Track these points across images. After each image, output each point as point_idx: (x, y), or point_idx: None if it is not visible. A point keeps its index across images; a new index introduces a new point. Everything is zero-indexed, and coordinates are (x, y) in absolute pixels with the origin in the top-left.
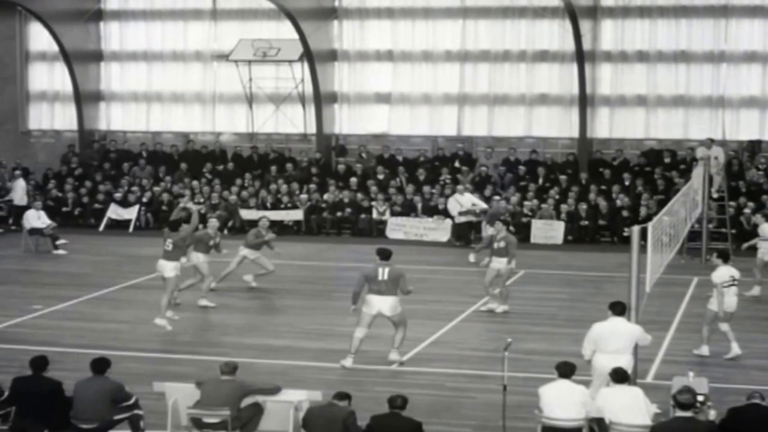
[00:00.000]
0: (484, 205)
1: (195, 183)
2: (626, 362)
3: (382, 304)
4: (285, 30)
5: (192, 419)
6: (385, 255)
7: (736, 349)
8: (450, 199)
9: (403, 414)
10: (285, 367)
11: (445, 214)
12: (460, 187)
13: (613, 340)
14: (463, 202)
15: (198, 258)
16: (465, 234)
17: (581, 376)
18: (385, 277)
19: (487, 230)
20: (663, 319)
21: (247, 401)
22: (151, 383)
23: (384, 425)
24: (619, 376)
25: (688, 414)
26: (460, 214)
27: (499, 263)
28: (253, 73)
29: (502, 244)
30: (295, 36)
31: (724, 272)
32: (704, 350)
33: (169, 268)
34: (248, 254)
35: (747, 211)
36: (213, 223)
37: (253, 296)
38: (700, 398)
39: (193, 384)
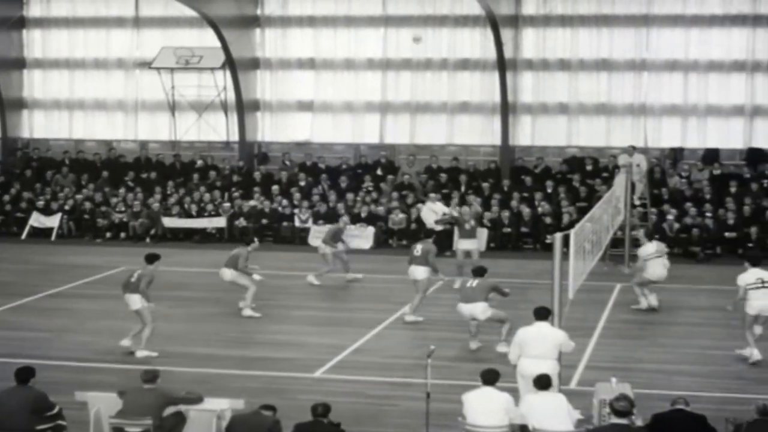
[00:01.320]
0: (455, 214)
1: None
2: (551, 367)
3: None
4: (207, 38)
5: (114, 429)
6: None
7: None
8: (423, 208)
9: (327, 422)
10: (207, 376)
11: (368, 221)
12: (432, 195)
13: (537, 344)
14: (437, 210)
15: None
16: (440, 243)
17: (506, 383)
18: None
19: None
20: (586, 325)
21: (169, 410)
22: (74, 393)
23: None
24: (542, 383)
25: (624, 421)
26: (436, 222)
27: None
28: (176, 81)
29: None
30: (218, 44)
31: (749, 275)
32: (755, 354)
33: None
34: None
35: (670, 217)
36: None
37: (175, 305)
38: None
39: (115, 393)
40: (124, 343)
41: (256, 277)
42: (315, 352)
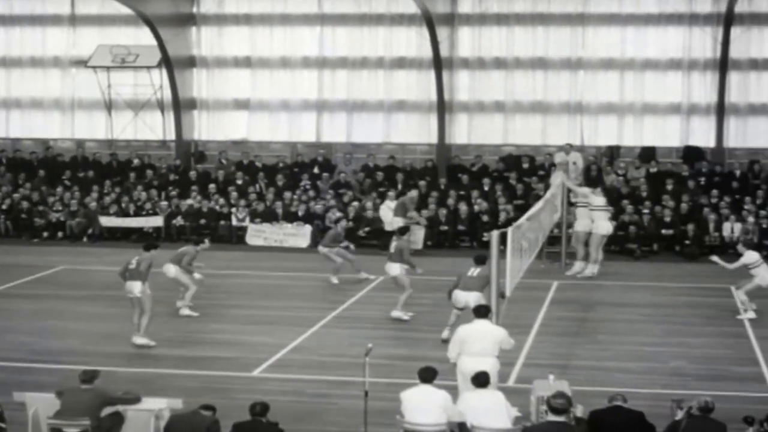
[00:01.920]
0: (415, 214)
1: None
2: (491, 364)
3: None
4: (143, 36)
5: (52, 429)
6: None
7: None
8: (382, 206)
9: (265, 420)
10: (145, 375)
11: (305, 219)
12: (391, 194)
13: (477, 342)
14: (395, 209)
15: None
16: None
17: (443, 381)
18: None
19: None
20: (524, 322)
21: (107, 410)
22: (12, 393)
23: None
24: (480, 380)
25: (561, 419)
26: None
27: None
28: (112, 80)
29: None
30: (154, 42)
31: (751, 255)
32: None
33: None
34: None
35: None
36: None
37: (113, 304)
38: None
39: (53, 394)
40: (137, 342)
41: (197, 276)
42: (253, 350)
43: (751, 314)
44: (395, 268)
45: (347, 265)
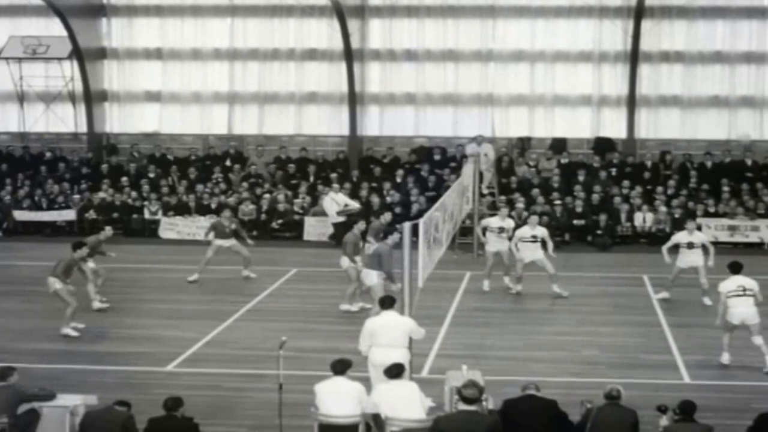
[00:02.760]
0: (357, 205)
1: None
2: (402, 355)
3: None
4: (54, 27)
5: None
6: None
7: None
8: (325, 198)
9: (180, 415)
10: (60, 372)
11: (218, 212)
12: (335, 186)
13: (386, 333)
14: (339, 201)
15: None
16: (342, 234)
17: (358, 372)
18: None
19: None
20: (437, 313)
21: (23, 407)
22: None
23: (161, 428)
24: (393, 372)
25: (472, 408)
26: (338, 213)
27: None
28: (24, 71)
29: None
30: (65, 33)
31: (730, 283)
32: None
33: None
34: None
35: (519, 206)
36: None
37: (27, 299)
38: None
39: None
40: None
41: (112, 254)
42: (167, 345)
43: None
44: (344, 261)
45: None
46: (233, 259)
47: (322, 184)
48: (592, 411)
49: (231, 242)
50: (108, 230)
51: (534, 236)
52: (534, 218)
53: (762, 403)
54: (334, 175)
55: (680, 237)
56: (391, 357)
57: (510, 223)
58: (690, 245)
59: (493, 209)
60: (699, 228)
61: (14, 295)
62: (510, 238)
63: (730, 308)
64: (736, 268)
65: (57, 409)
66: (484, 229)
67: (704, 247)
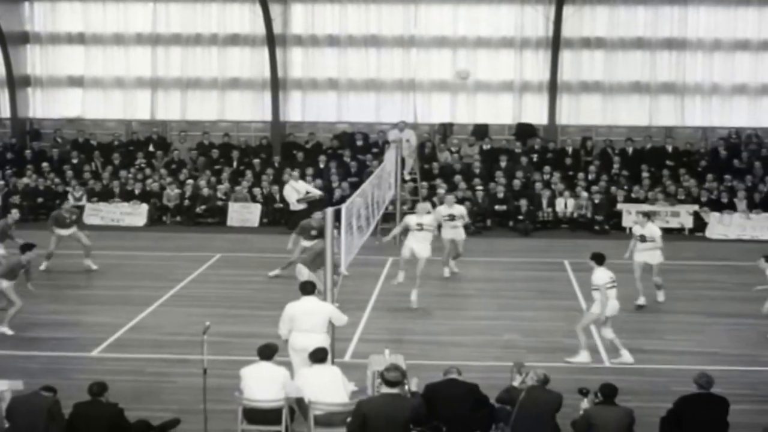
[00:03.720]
0: (318, 192)
1: None
2: (322, 340)
3: None
4: None
5: None
6: None
7: (627, 357)
8: (286, 186)
9: (104, 400)
10: None
11: (141, 197)
12: (295, 173)
13: (306, 319)
14: (299, 189)
15: None
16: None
17: (283, 357)
18: None
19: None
20: (359, 298)
21: None
22: None
23: (86, 412)
24: (317, 356)
25: (395, 391)
26: (298, 201)
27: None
28: None
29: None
30: None
31: (603, 274)
32: (584, 356)
33: None
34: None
35: (441, 191)
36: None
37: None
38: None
39: None
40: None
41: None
42: (92, 330)
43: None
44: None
45: None
46: (157, 245)
47: (245, 170)
48: (521, 393)
49: (71, 231)
50: (14, 213)
51: (451, 215)
52: (449, 197)
53: (681, 386)
54: (257, 161)
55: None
56: (311, 342)
57: (460, 209)
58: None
59: (415, 195)
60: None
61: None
62: (465, 226)
63: (609, 300)
64: (600, 260)
65: None
66: (406, 229)
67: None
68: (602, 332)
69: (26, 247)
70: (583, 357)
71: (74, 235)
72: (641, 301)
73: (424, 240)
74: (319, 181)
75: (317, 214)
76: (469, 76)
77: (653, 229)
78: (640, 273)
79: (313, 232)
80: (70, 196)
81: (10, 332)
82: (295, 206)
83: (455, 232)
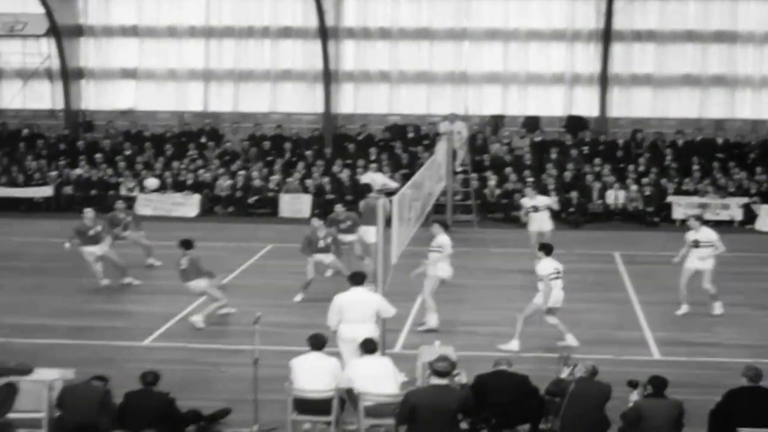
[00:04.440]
0: (395, 184)
1: None
2: (369, 331)
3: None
4: (31, 4)
5: None
6: None
7: (572, 340)
8: (364, 176)
9: (156, 390)
10: (37, 346)
11: (194, 188)
12: (372, 166)
13: (355, 309)
14: (377, 180)
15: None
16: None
17: (333, 348)
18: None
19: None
20: (409, 290)
21: (0, 382)
22: None
23: (137, 401)
24: (368, 347)
25: (443, 382)
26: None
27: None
28: (1, 48)
29: (349, 222)
30: (41, 10)
31: (548, 265)
32: (514, 345)
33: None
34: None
35: (491, 183)
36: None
37: (3, 275)
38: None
39: None
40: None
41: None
42: (143, 320)
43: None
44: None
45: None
46: (209, 236)
47: (296, 162)
48: (571, 385)
49: (128, 233)
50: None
51: (534, 206)
52: (528, 190)
53: (732, 380)
54: (308, 153)
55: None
56: (359, 332)
57: (543, 200)
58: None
59: (466, 186)
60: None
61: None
62: (556, 215)
63: (553, 290)
64: (549, 251)
65: (34, 383)
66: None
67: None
68: (547, 319)
69: (187, 244)
70: (513, 345)
71: (131, 237)
72: (684, 309)
73: (542, 218)
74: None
75: (338, 208)
76: None
77: (709, 234)
78: (687, 280)
79: (342, 226)
80: (122, 187)
81: (202, 325)
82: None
83: (540, 223)
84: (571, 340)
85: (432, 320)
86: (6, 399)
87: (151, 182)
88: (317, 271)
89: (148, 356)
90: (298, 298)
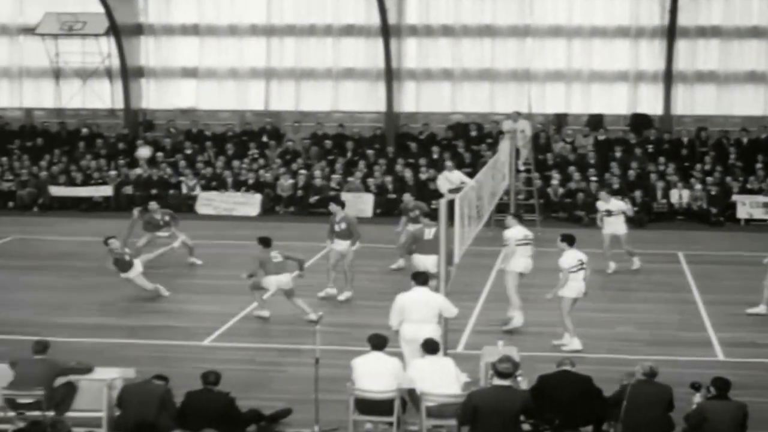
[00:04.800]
0: (472, 182)
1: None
2: (432, 331)
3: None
4: (91, 3)
5: (6, 400)
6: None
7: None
8: (439, 176)
9: (217, 389)
10: (98, 345)
11: (255, 187)
12: (448, 164)
13: (417, 309)
14: (453, 179)
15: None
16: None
17: (394, 348)
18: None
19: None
20: (472, 289)
21: (60, 381)
22: None
23: (198, 401)
24: (430, 347)
25: (506, 382)
26: (450, 192)
27: (342, 245)
28: (60, 48)
29: (343, 225)
30: (101, 9)
31: (571, 256)
32: (576, 344)
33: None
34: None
35: (554, 182)
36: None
37: (63, 274)
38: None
39: (6, 364)
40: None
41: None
42: (204, 320)
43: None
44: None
45: None
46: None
47: (358, 161)
48: (627, 387)
49: (170, 232)
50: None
51: (608, 210)
52: (603, 193)
53: None
54: (370, 152)
55: None
56: (422, 332)
57: (618, 204)
58: None
59: (529, 185)
60: None
61: (51, 270)
62: (628, 219)
63: (571, 282)
64: (571, 242)
65: (94, 382)
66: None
67: None
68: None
69: (266, 242)
70: (575, 344)
71: (173, 236)
72: (760, 309)
73: (617, 222)
74: (432, 172)
75: (406, 197)
76: None
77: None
78: None
79: (412, 214)
80: (183, 186)
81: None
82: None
83: (615, 227)
84: (567, 340)
85: (517, 318)
86: (66, 398)
87: (143, 151)
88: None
89: (208, 356)
90: (343, 296)
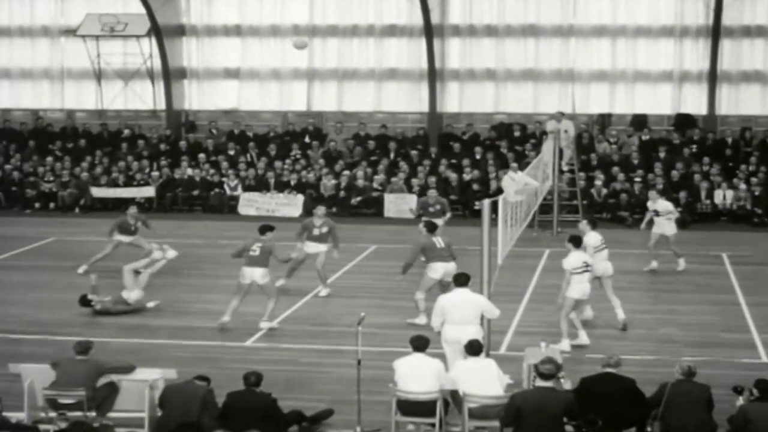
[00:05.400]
0: (536, 183)
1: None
2: (474, 332)
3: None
4: (132, 4)
5: (48, 400)
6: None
7: (566, 345)
8: (504, 177)
9: (258, 390)
10: (139, 346)
11: (297, 188)
12: (513, 165)
13: (459, 310)
14: (518, 180)
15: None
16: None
17: (431, 349)
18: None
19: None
20: (515, 291)
21: (102, 381)
22: (7, 364)
23: (240, 402)
24: (473, 348)
25: (548, 384)
26: (516, 193)
27: (316, 248)
28: (101, 49)
29: (324, 229)
30: (143, 10)
31: (576, 258)
32: (565, 345)
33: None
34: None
35: (598, 183)
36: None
37: (105, 275)
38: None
39: (48, 365)
40: (224, 320)
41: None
42: (246, 320)
43: None
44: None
45: None
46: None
47: (401, 161)
48: (666, 387)
49: (132, 239)
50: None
51: (655, 210)
52: (652, 193)
53: None
54: (413, 152)
55: None
56: (464, 333)
57: (665, 205)
58: None
59: (573, 186)
60: None
61: (92, 271)
62: (677, 219)
63: (573, 284)
64: (578, 243)
65: (136, 382)
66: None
67: None
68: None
69: (267, 229)
70: (582, 339)
71: (135, 242)
72: None
73: (664, 222)
74: (476, 173)
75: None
76: (306, 46)
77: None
78: None
79: (432, 209)
80: (225, 187)
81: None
82: (513, 198)
83: (664, 227)
84: (565, 345)
85: (582, 337)
86: (108, 398)
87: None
88: (306, 259)
89: (250, 356)
90: (324, 292)
